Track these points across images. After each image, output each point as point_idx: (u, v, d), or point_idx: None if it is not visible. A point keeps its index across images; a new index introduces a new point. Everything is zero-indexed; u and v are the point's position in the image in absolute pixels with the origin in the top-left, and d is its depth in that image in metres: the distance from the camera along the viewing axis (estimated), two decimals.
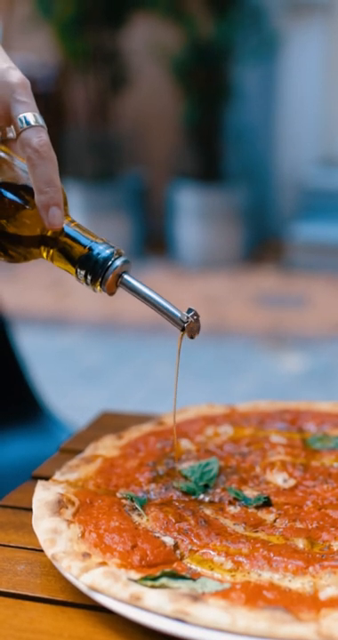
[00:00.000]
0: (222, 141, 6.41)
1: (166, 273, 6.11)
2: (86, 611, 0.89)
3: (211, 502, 1.05)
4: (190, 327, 1.01)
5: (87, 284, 1.01)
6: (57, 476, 1.09)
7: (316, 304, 5.60)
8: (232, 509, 1.03)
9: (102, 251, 1.00)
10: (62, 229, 1.01)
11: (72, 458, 1.16)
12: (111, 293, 1.02)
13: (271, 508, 1.03)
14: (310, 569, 0.89)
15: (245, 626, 0.79)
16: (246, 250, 6.47)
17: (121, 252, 1.01)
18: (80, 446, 1.22)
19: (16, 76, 1.01)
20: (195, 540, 0.95)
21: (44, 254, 1.03)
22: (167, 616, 0.82)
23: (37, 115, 1.01)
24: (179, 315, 1.01)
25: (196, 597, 0.83)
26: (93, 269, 1.00)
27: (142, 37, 6.32)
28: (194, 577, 0.88)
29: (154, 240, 6.66)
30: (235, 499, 1.05)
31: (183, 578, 0.88)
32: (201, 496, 1.06)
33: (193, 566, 0.91)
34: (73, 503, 1.00)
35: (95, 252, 1.00)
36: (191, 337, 1.02)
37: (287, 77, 6.53)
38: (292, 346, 4.88)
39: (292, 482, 1.09)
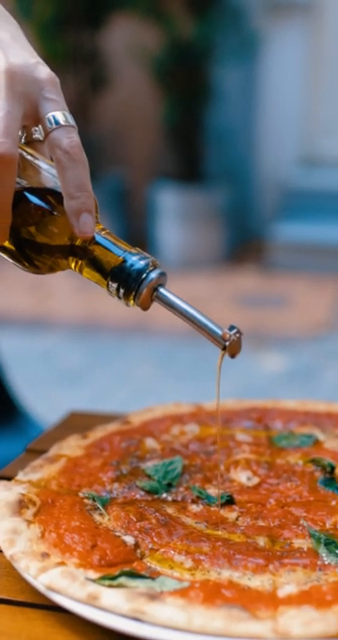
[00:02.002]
0: (203, 142, 6.41)
1: None
2: (45, 611, 0.88)
3: (174, 501, 1.04)
4: (232, 346, 0.95)
5: (119, 297, 0.94)
6: (20, 476, 1.08)
7: (297, 304, 5.61)
8: (195, 508, 1.02)
9: (136, 262, 0.94)
10: (93, 238, 0.95)
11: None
12: (145, 308, 0.95)
13: (234, 507, 1.02)
14: (270, 567, 0.89)
15: (202, 624, 0.79)
16: (227, 250, 6.47)
17: (156, 264, 0.95)
18: (47, 446, 1.21)
19: (45, 71, 0.95)
20: (156, 539, 0.95)
21: (73, 265, 0.97)
22: (124, 615, 0.81)
23: (67, 113, 0.95)
24: (220, 333, 0.94)
25: (153, 596, 0.82)
26: (126, 282, 0.93)
27: (122, 38, 6.32)
28: (153, 576, 0.88)
29: (135, 241, 6.54)
30: (198, 497, 1.04)
31: (142, 577, 0.87)
32: (164, 495, 1.05)
33: (153, 565, 0.90)
34: (34, 503, 1.00)
35: (128, 263, 0.93)
36: (232, 356, 0.96)
37: (268, 78, 6.54)
38: (273, 346, 4.89)
39: (256, 480, 1.09)
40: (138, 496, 1.04)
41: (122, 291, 0.94)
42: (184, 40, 6.04)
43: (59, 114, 0.94)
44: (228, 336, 0.94)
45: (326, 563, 0.90)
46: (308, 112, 6.59)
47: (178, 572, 0.89)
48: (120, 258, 0.94)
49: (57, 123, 0.93)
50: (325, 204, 6.36)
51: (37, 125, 0.98)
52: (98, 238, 0.95)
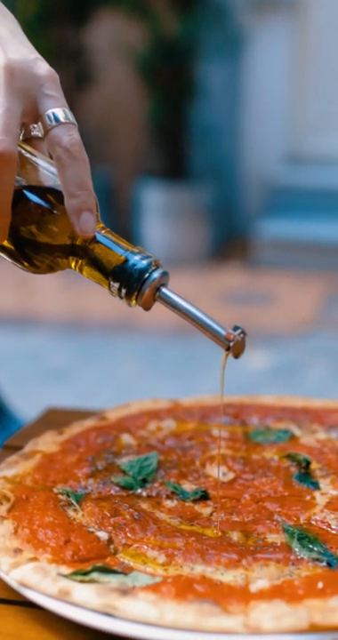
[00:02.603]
0: (188, 139, 6.42)
1: None
2: (18, 607, 0.88)
3: (148, 497, 1.04)
4: (236, 346, 0.93)
5: (121, 297, 0.93)
6: None
7: (282, 301, 5.62)
8: (169, 503, 1.02)
9: (138, 261, 0.92)
10: (94, 237, 0.93)
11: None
12: (147, 308, 0.94)
13: (208, 502, 1.02)
14: (243, 562, 0.89)
15: (173, 619, 0.79)
16: (213, 248, 6.48)
17: (159, 263, 0.93)
18: (24, 443, 1.21)
19: (44, 68, 0.93)
20: (129, 535, 0.94)
21: (73, 264, 0.95)
22: (96, 611, 0.81)
23: (67, 110, 0.93)
24: (224, 333, 0.92)
25: (124, 591, 0.82)
26: (128, 282, 0.92)
27: (107, 35, 6.31)
28: (126, 571, 0.88)
29: None
30: (173, 493, 1.04)
31: (114, 572, 0.87)
32: (139, 490, 1.05)
33: (126, 561, 0.90)
34: (8, 499, 0.99)
35: (130, 262, 0.92)
36: (236, 357, 0.94)
37: (253, 75, 6.55)
38: (258, 343, 4.89)
39: (231, 475, 1.08)
40: (113, 492, 1.04)
41: (124, 291, 0.93)
42: (169, 37, 6.04)
43: (59, 111, 0.92)
44: (232, 336, 0.93)
45: (299, 557, 0.90)
46: (293, 109, 6.60)
47: (151, 567, 0.89)
48: (122, 257, 0.93)
49: (57, 120, 0.92)
50: (311, 201, 6.37)
51: (36, 122, 0.97)
52: (99, 237, 0.94)
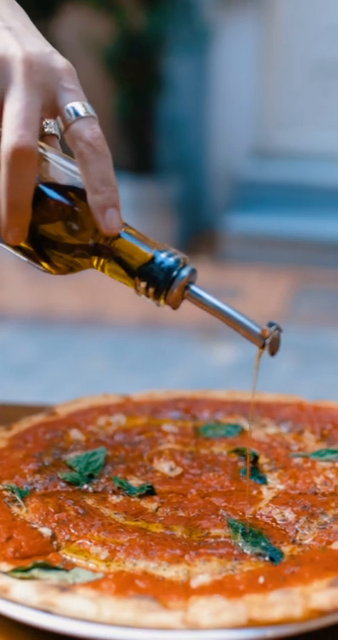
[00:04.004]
0: (155, 133, 6.40)
1: None
2: None
3: (94, 492, 1.03)
4: (271, 343, 0.90)
5: (148, 296, 0.90)
6: None
7: (249, 295, 5.62)
8: (115, 499, 1.01)
9: (165, 259, 0.89)
10: (118, 235, 0.90)
11: None
12: (176, 307, 0.91)
13: (155, 497, 1.02)
14: (186, 557, 0.89)
15: (111, 616, 0.78)
16: (180, 242, 6.46)
17: (186, 260, 0.91)
18: None
19: (61, 61, 0.90)
20: (73, 531, 0.94)
21: (95, 263, 0.92)
22: (34, 608, 0.81)
23: (87, 104, 0.90)
24: (258, 330, 0.89)
25: (64, 588, 0.82)
26: (156, 281, 0.89)
27: (74, 29, 6.28)
28: (67, 568, 0.87)
29: None
30: (119, 488, 1.03)
31: (55, 569, 0.87)
32: (85, 486, 1.04)
33: (68, 557, 0.90)
34: None
35: (157, 260, 0.89)
36: (272, 354, 0.91)
37: (220, 69, 6.54)
38: (225, 337, 4.89)
39: (178, 470, 1.08)
40: (59, 488, 1.03)
41: (151, 290, 0.90)
42: (136, 31, 6.02)
43: (78, 104, 0.90)
44: (267, 333, 0.89)
45: (243, 552, 0.90)
46: (260, 104, 6.60)
47: (93, 563, 0.89)
48: (148, 255, 0.90)
49: (77, 114, 0.89)
50: (278, 195, 6.38)
51: (54, 117, 0.94)
52: (123, 235, 0.91)
